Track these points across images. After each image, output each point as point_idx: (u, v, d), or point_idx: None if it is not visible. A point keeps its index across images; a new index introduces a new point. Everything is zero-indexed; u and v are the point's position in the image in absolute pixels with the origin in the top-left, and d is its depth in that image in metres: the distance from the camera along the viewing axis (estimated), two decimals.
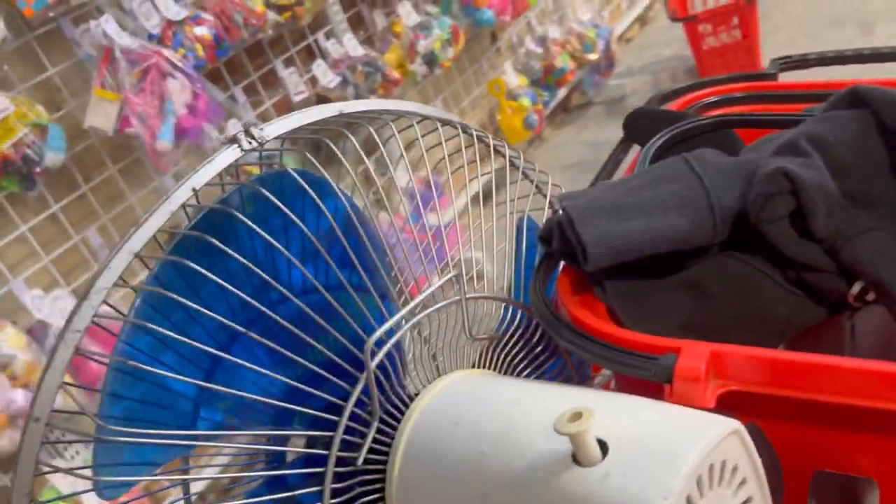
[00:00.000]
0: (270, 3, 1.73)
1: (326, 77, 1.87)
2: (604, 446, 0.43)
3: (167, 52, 1.47)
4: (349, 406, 0.55)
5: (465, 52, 2.43)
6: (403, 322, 0.58)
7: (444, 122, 0.69)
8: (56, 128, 1.40)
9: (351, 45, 1.98)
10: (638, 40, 3.49)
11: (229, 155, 0.55)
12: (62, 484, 1.40)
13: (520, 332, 0.66)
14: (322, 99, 1.86)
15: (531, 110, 2.58)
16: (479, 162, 0.69)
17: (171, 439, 0.52)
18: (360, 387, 0.55)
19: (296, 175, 0.56)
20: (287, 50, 1.94)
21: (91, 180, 1.57)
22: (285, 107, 1.97)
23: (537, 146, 2.86)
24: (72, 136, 1.50)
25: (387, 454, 0.55)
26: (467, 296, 0.61)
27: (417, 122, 0.67)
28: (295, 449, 0.57)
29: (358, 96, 1.90)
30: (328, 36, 2.02)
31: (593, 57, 2.84)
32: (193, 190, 0.53)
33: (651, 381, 0.50)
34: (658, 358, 0.49)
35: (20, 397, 1.24)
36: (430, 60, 2.13)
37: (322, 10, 1.97)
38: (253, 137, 0.55)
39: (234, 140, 0.55)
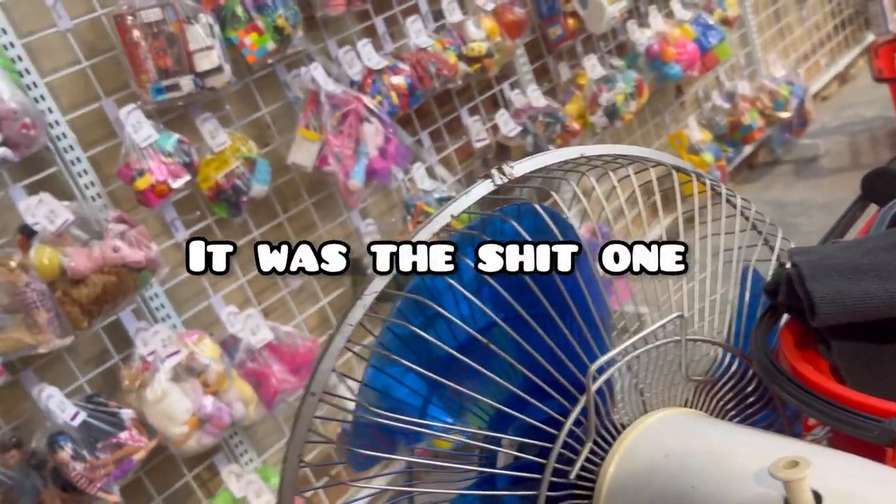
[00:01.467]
0: (462, 55, 1.82)
1: (508, 126, 1.93)
2: (818, 498, 0.43)
3: (366, 99, 1.59)
4: (568, 422, 0.60)
5: (647, 105, 2.41)
6: (620, 356, 0.62)
7: (678, 169, 0.73)
8: (263, 162, 1.55)
9: (534, 96, 2.04)
10: (836, 98, 3.30)
11: (483, 188, 0.63)
12: (235, 487, 1.53)
13: (734, 379, 0.68)
14: (501, 147, 1.92)
15: (713, 166, 2.51)
16: (709, 208, 0.74)
17: (415, 426, 0.61)
18: (579, 407, 0.60)
19: (539, 209, 0.64)
20: (473, 98, 2.03)
21: (288, 211, 1.72)
22: (467, 152, 2.05)
23: (716, 201, 2.76)
24: (276, 169, 1.65)
25: (595, 473, 0.59)
26: (687, 337, 0.64)
27: (652, 167, 0.71)
28: (520, 454, 0.62)
29: (536, 146, 1.94)
30: (513, 86, 2.09)
31: (785, 115, 2.72)
32: (452, 217, 0.61)
33: (872, 443, 0.49)
34: (882, 421, 0.49)
35: (209, 403, 1.37)
36: (612, 113, 2.14)
37: (510, 62, 2.04)
38: (504, 174, 0.63)
39: (488, 176, 0.63)
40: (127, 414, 1.33)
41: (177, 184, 1.39)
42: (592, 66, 2.15)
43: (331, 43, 1.72)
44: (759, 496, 0.46)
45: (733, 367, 0.67)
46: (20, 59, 1.30)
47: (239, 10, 1.43)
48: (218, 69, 1.40)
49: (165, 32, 1.36)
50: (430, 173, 1.92)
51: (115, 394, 1.40)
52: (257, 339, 1.49)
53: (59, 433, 1.22)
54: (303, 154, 1.56)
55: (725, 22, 2.53)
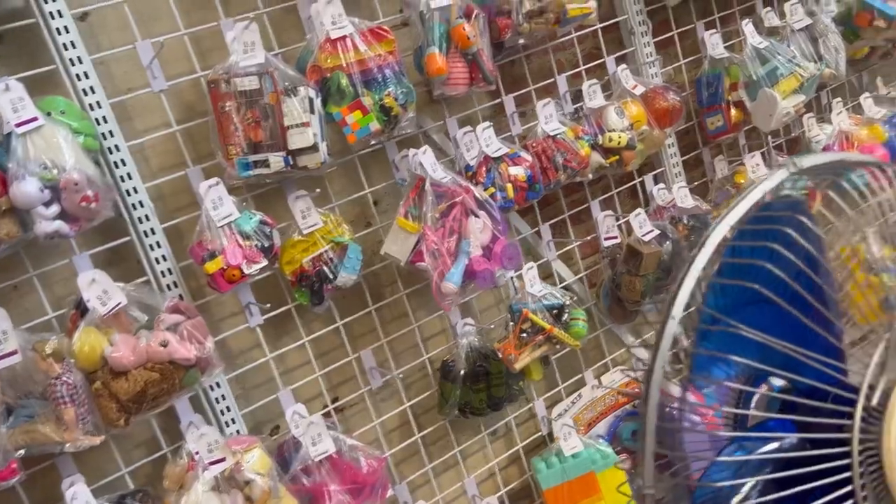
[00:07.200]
0: (597, 145, 1.59)
1: (643, 228, 1.67)
2: None
3: (476, 190, 1.39)
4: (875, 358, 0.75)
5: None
6: None
7: None
8: (355, 248, 1.38)
9: (680, 194, 1.76)
10: None
11: (780, 175, 0.79)
12: None
13: None
14: (631, 250, 1.66)
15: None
16: None
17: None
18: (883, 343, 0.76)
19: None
20: (608, 189, 1.79)
21: (382, 298, 1.54)
22: (591, 249, 1.81)
23: None
24: (372, 252, 1.49)
25: (881, 413, 0.74)
26: None
27: None
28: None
29: (675, 254, 1.67)
30: (657, 179, 1.83)
31: None
32: (764, 193, 0.77)
33: None
34: None
35: None
36: None
37: (656, 153, 1.79)
38: (795, 165, 0.79)
39: (782, 165, 0.79)
40: None
41: (251, 269, 1.24)
42: (755, 165, 1.85)
43: (452, 121, 1.54)
44: None
45: None
46: (105, 120, 1.20)
47: (344, 84, 1.28)
48: (312, 148, 1.25)
49: (260, 104, 1.24)
50: (546, 271, 1.70)
51: (159, 489, 1.26)
52: (317, 450, 1.31)
53: None
54: (398, 246, 1.38)
55: None
